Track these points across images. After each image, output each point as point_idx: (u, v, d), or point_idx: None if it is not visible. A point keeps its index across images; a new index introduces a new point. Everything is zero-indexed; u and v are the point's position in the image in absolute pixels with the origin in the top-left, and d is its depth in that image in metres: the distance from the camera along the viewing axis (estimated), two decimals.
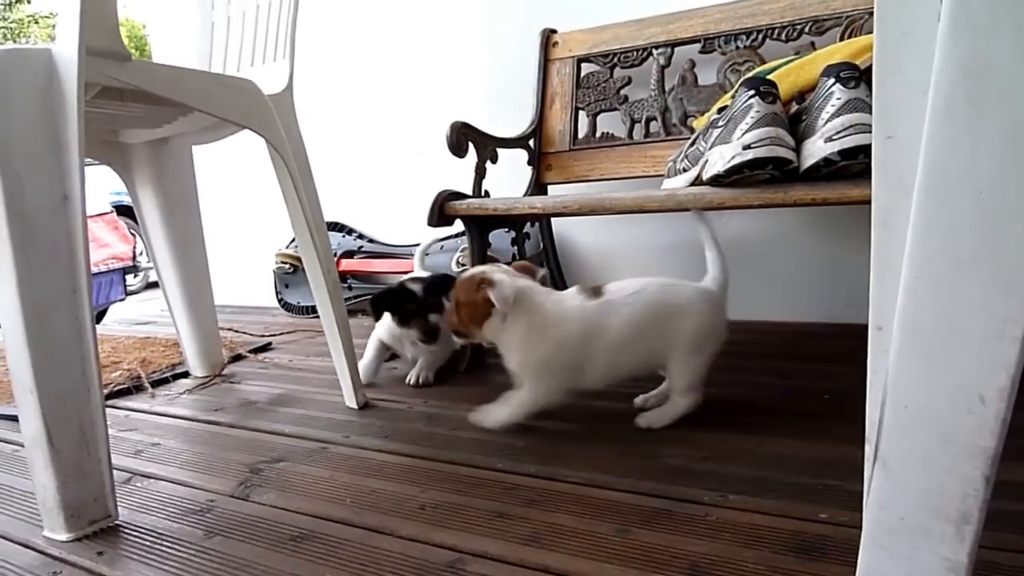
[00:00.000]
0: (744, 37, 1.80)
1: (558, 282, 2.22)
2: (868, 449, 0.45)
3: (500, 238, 1.96)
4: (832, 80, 1.23)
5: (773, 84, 1.29)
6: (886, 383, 0.42)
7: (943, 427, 0.40)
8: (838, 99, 1.21)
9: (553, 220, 2.23)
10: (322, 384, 1.66)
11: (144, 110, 1.27)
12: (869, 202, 1.24)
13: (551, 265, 2.20)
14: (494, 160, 1.82)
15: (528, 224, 2.13)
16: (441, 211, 1.59)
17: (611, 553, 0.84)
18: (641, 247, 2.20)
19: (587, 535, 0.89)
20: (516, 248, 1.95)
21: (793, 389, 1.44)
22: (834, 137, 1.19)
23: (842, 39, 1.65)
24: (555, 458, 1.14)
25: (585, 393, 1.30)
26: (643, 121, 1.91)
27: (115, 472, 1.02)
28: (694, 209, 1.39)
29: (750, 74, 1.55)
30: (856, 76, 1.21)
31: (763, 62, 1.73)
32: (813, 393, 1.38)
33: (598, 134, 1.97)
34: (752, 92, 1.28)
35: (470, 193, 1.73)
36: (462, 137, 1.70)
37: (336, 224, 2.67)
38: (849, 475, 0.99)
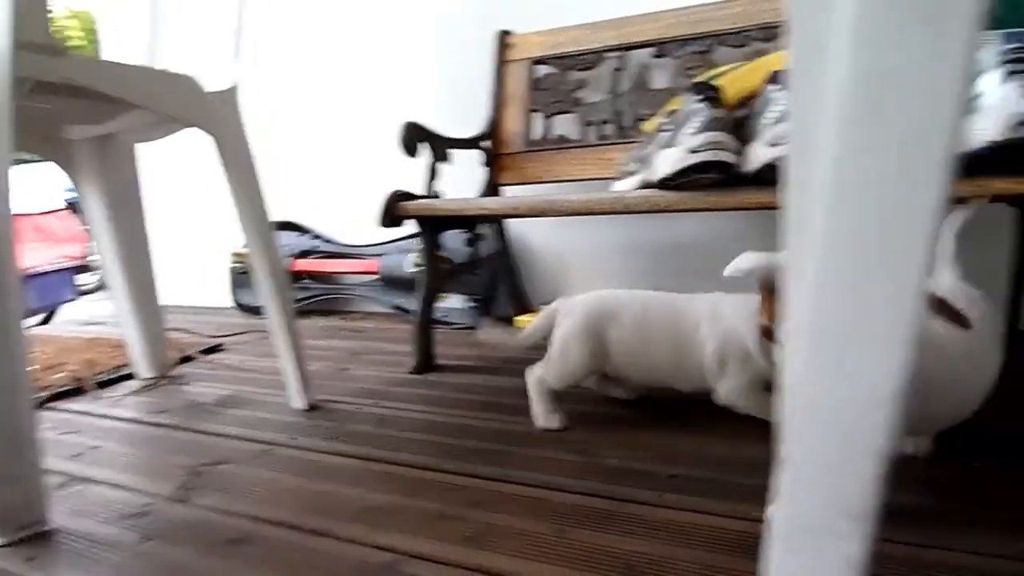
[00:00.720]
0: (696, 43, 1.82)
1: (514, 285, 2.23)
2: (779, 450, 0.45)
3: (456, 239, 1.96)
4: (776, 86, 1.25)
5: (719, 89, 1.31)
6: (794, 385, 0.43)
7: (844, 428, 0.41)
8: (784, 105, 1.23)
9: (510, 222, 2.24)
10: (272, 385, 1.63)
11: (83, 105, 1.24)
12: None
13: (505, 267, 2.20)
14: (447, 160, 1.82)
15: (485, 225, 2.13)
16: (392, 211, 1.58)
17: (549, 553, 0.84)
18: (598, 249, 2.21)
19: (526, 535, 0.89)
20: (470, 249, 1.95)
21: None
22: (777, 143, 1.21)
23: None
24: (502, 459, 1.14)
25: (521, 391, 1.31)
26: (597, 124, 1.92)
27: (52, 476, 1.00)
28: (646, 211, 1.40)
29: (698, 79, 1.57)
30: None
31: (715, 67, 1.75)
32: None
33: (553, 136, 1.98)
34: (699, 97, 1.29)
35: (423, 194, 1.72)
36: (413, 137, 1.69)
37: (291, 224, 2.64)
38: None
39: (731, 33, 1.78)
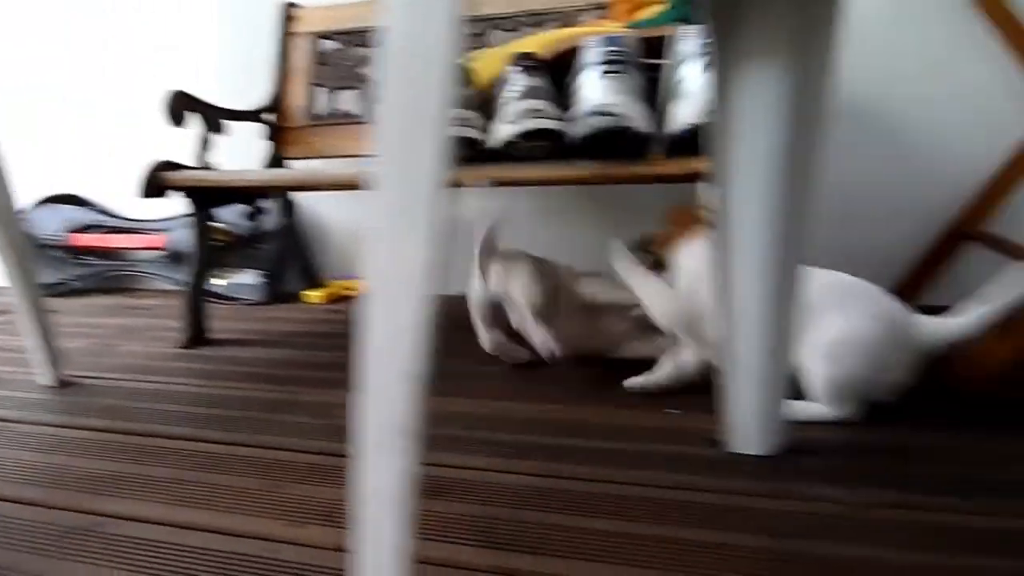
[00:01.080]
0: (472, 25, 1.89)
1: (303, 260, 2.23)
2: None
3: (239, 212, 1.94)
4: (515, 68, 1.34)
5: (470, 70, 1.39)
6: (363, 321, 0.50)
7: (392, 360, 0.48)
8: (519, 86, 1.32)
9: (300, 196, 2.24)
10: (26, 364, 1.56)
11: None
12: (553, 182, 1.36)
13: (292, 241, 2.20)
14: (221, 132, 1.79)
15: (270, 200, 2.12)
16: (154, 182, 1.55)
17: (257, 506, 0.88)
18: None
19: (242, 492, 0.92)
20: (253, 223, 1.94)
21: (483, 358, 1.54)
22: (514, 120, 1.30)
23: None
24: (250, 426, 1.16)
25: (294, 362, 1.33)
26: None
27: None
28: None
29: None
30: (535, 65, 1.33)
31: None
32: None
33: (336, 111, 1.99)
34: None
35: (193, 165, 1.69)
36: (180, 107, 1.66)
37: (70, 197, 2.49)
38: (474, 425, 1.13)
39: (503, 18, 1.87)
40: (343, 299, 2.17)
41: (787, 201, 0.86)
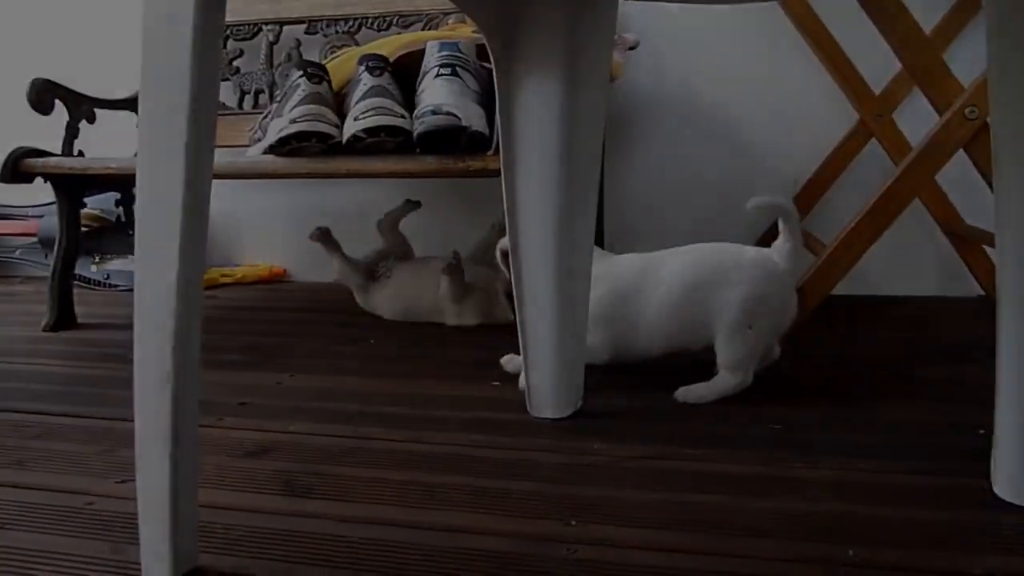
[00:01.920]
0: (343, 23, 1.98)
1: None
2: None
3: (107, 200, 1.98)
4: (363, 68, 1.44)
5: (321, 67, 1.48)
6: None
7: (156, 320, 0.58)
8: (365, 85, 1.41)
9: None
10: None
11: None
12: (397, 175, 1.47)
13: None
14: (92, 119, 1.82)
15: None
16: (16, 168, 1.58)
17: (86, 468, 0.96)
18: (276, 214, 2.32)
19: (74, 456, 1.00)
20: (122, 209, 1.98)
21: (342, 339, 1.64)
22: (359, 117, 1.39)
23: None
24: (97, 400, 1.22)
25: None
26: (252, 93, 2.02)
27: None
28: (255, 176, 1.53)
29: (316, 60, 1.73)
30: (381, 66, 1.43)
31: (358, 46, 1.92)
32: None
33: None
34: (300, 73, 1.45)
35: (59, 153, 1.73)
36: (46, 95, 1.69)
37: None
38: (316, 397, 1.24)
39: (372, 17, 1.96)
40: (219, 286, 2.22)
41: (566, 193, 0.99)
